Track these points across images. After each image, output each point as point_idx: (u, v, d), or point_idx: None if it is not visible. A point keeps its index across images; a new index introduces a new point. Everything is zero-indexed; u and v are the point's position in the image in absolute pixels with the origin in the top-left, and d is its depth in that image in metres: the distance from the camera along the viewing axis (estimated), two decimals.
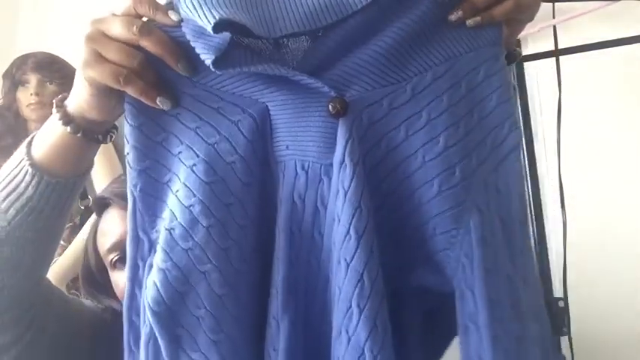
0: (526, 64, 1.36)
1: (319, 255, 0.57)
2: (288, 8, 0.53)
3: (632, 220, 1.45)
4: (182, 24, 0.54)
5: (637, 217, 1.45)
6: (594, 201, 1.47)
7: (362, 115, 0.55)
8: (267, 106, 0.56)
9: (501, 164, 0.57)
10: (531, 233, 1.24)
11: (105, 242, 0.83)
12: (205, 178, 0.55)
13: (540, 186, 1.28)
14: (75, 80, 0.57)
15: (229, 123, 0.56)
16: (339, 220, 0.54)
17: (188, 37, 0.53)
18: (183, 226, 0.55)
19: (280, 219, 0.57)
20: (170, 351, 0.56)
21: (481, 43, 0.57)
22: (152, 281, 0.56)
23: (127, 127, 0.56)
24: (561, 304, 1.19)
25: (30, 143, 0.62)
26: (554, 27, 1.28)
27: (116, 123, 0.63)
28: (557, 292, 1.22)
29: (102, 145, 0.64)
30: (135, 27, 0.53)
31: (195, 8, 0.51)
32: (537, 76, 1.52)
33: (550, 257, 1.25)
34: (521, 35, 0.66)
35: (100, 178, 1.48)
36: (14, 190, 0.61)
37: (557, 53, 1.25)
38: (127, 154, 0.57)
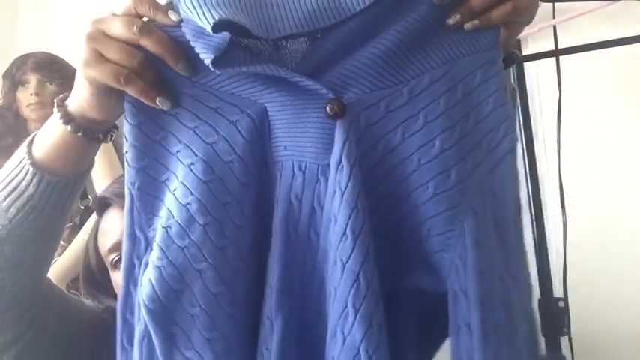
0: (526, 64, 1.36)
1: (315, 255, 0.57)
2: (286, 10, 0.54)
3: (632, 220, 1.45)
4: (182, 24, 0.54)
5: (637, 217, 1.45)
6: (594, 201, 1.47)
7: (359, 117, 0.55)
8: (265, 106, 0.57)
9: (497, 167, 0.57)
10: (531, 233, 1.24)
11: (106, 242, 0.83)
12: (203, 177, 0.56)
13: (540, 186, 1.28)
14: (75, 80, 0.58)
15: (228, 123, 0.57)
16: (336, 221, 0.54)
17: (188, 37, 0.53)
18: (179, 224, 0.55)
19: (276, 219, 0.57)
20: (164, 348, 0.56)
21: (478, 46, 0.57)
22: (147, 278, 0.56)
23: (126, 126, 0.57)
24: (561, 304, 1.19)
25: (31, 143, 0.62)
26: (554, 27, 1.28)
27: (116, 123, 0.63)
28: (557, 292, 1.22)
29: (102, 145, 0.65)
30: (135, 27, 0.53)
31: (194, 8, 0.52)
32: (537, 76, 1.52)
33: (550, 257, 1.25)
34: (521, 35, 0.66)
35: (100, 178, 1.48)
36: (15, 189, 0.61)
37: (557, 53, 1.25)
38: (126, 152, 0.57)
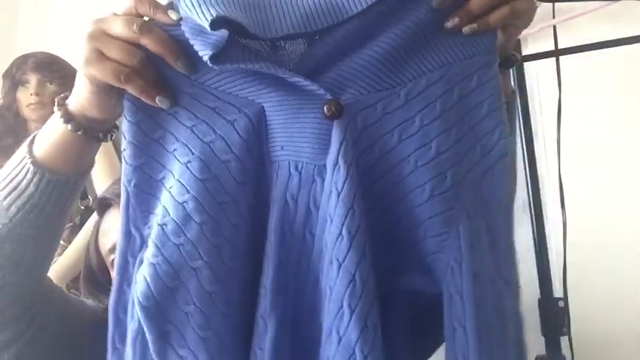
0: (526, 64, 1.36)
1: (310, 256, 0.57)
2: (284, 11, 0.54)
3: (632, 220, 1.45)
4: (181, 23, 0.55)
5: (637, 217, 1.45)
6: (594, 201, 1.47)
7: (356, 119, 0.56)
8: (263, 106, 0.57)
9: (490, 171, 0.58)
10: (531, 233, 1.24)
11: (106, 242, 0.84)
12: (199, 175, 0.56)
13: (540, 186, 1.28)
14: (76, 79, 0.58)
15: (225, 122, 0.57)
16: (332, 221, 0.54)
17: (187, 35, 0.54)
18: (175, 221, 0.56)
19: (272, 219, 0.57)
20: (158, 347, 0.56)
21: (475, 50, 0.58)
22: (142, 276, 0.56)
23: (124, 123, 0.57)
24: (561, 304, 1.19)
25: (32, 142, 0.62)
26: (554, 27, 1.28)
27: (116, 123, 0.64)
28: (557, 292, 1.22)
29: (102, 145, 0.65)
30: (135, 25, 0.54)
31: (194, 6, 0.52)
32: (537, 76, 1.52)
33: (550, 257, 1.25)
34: (521, 35, 0.66)
35: (100, 178, 1.48)
36: (16, 187, 0.61)
37: (557, 53, 1.25)
38: (124, 149, 0.57)
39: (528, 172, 1.26)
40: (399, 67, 0.56)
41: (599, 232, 1.45)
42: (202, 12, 0.52)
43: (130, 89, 0.55)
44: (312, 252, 0.57)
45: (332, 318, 0.54)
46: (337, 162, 0.54)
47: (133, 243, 0.58)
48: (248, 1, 0.54)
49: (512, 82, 1.30)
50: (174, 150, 0.57)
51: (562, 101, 1.24)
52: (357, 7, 0.53)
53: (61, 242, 1.48)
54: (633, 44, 1.22)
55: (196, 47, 0.53)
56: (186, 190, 0.56)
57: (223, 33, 0.52)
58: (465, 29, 0.57)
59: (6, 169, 0.63)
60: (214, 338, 0.56)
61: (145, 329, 0.56)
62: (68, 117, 0.59)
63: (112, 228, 0.83)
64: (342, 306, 0.53)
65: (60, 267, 1.47)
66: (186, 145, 0.57)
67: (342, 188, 0.54)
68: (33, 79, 1.64)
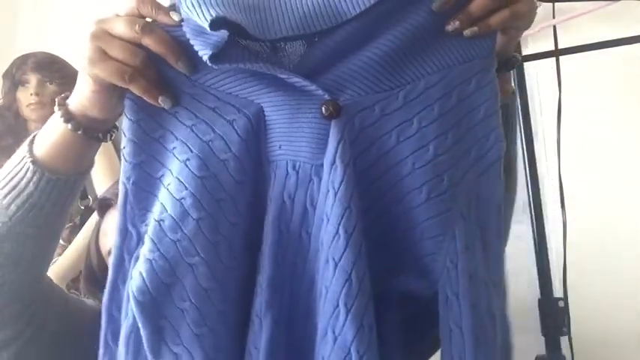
0: (526, 64, 1.36)
1: (306, 256, 0.57)
2: (283, 13, 0.55)
3: (632, 220, 1.45)
4: (183, 23, 0.55)
5: (637, 217, 1.45)
6: (594, 201, 1.47)
7: (354, 119, 0.56)
8: (262, 107, 0.58)
9: (484, 175, 0.58)
10: (531, 233, 1.24)
11: (107, 243, 0.84)
12: (198, 172, 0.56)
13: (540, 186, 1.28)
14: (78, 78, 0.58)
15: (224, 122, 0.57)
16: (328, 220, 0.55)
17: (188, 35, 0.54)
18: (173, 217, 0.56)
19: (269, 218, 0.57)
20: (152, 343, 0.56)
21: (475, 53, 0.58)
22: (138, 271, 0.56)
23: (125, 122, 0.57)
24: (561, 304, 1.19)
25: (32, 141, 0.63)
26: (554, 27, 1.28)
27: (116, 123, 0.64)
28: (557, 292, 1.22)
29: (102, 146, 0.65)
30: (137, 26, 0.54)
31: (194, 7, 0.53)
32: (537, 76, 1.52)
33: (550, 257, 1.25)
34: None
35: (100, 178, 1.48)
36: (16, 186, 0.61)
37: (557, 53, 1.25)
38: (124, 147, 0.57)
39: (528, 172, 1.26)
40: (397, 70, 0.57)
41: (599, 232, 1.45)
42: (202, 13, 0.52)
43: (134, 89, 0.55)
44: (309, 252, 0.57)
45: (328, 318, 0.54)
46: (334, 161, 0.55)
47: (129, 240, 0.58)
48: (248, 3, 0.55)
49: (512, 83, 1.30)
50: (174, 148, 0.57)
51: (562, 101, 1.24)
52: (354, 9, 0.54)
53: (61, 242, 1.48)
54: (633, 44, 1.22)
55: (196, 47, 0.54)
56: (185, 186, 0.56)
57: (223, 33, 0.52)
58: (466, 32, 0.57)
59: (6, 168, 0.63)
60: (209, 335, 0.56)
61: (140, 325, 0.56)
62: (68, 116, 0.59)
63: (112, 228, 0.83)
64: (337, 305, 0.53)
65: (60, 267, 1.47)
66: (186, 144, 0.57)
67: (339, 187, 0.54)
68: (33, 79, 1.64)
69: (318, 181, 0.56)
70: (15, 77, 1.66)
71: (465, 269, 0.56)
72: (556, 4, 1.31)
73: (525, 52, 1.38)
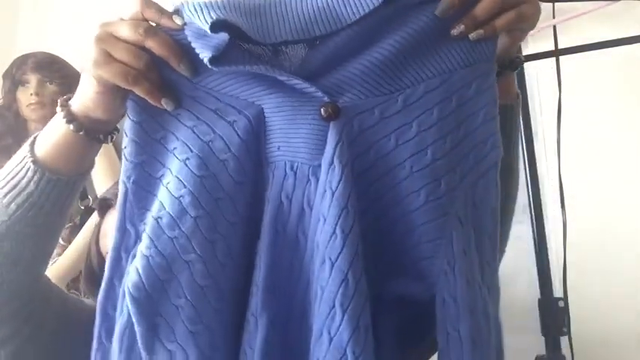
0: (526, 64, 1.35)
1: (302, 257, 0.57)
2: (284, 18, 0.56)
3: (632, 220, 1.45)
4: (185, 27, 0.56)
5: (637, 217, 1.45)
6: (594, 201, 1.48)
7: (353, 122, 0.56)
8: (262, 108, 0.58)
9: (480, 179, 0.59)
10: (531, 233, 1.24)
11: (107, 243, 0.84)
12: (197, 171, 0.57)
13: (540, 186, 1.28)
14: (81, 80, 0.59)
15: (225, 123, 0.58)
16: (325, 220, 0.55)
17: (189, 38, 0.55)
18: (171, 215, 0.56)
19: (266, 218, 0.58)
20: (146, 339, 0.56)
21: (476, 57, 0.58)
22: (134, 267, 0.56)
23: (127, 122, 0.58)
24: (561, 304, 1.19)
25: (33, 141, 0.63)
26: (554, 27, 1.28)
27: (117, 126, 0.64)
28: (557, 292, 1.22)
29: (103, 147, 0.66)
30: (141, 29, 0.55)
31: (196, 11, 0.54)
32: (537, 76, 1.52)
33: (550, 257, 1.25)
34: None
35: (101, 179, 1.49)
36: (16, 185, 0.62)
37: (557, 53, 1.25)
38: (125, 147, 0.58)
39: (528, 172, 1.26)
40: (398, 73, 0.57)
41: (599, 232, 1.45)
42: (204, 16, 0.53)
43: (137, 91, 0.56)
44: (305, 253, 0.57)
45: (323, 318, 0.54)
46: (332, 162, 0.55)
47: (127, 238, 0.59)
48: (249, 7, 0.56)
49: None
50: (174, 149, 0.58)
51: (562, 101, 1.24)
52: (355, 14, 0.54)
53: (61, 242, 1.48)
54: (633, 44, 1.21)
55: (197, 50, 0.54)
56: (183, 185, 0.56)
57: (224, 36, 0.53)
58: (472, 35, 0.57)
59: (7, 168, 0.64)
60: (204, 333, 0.56)
61: (134, 321, 0.56)
62: (71, 117, 0.60)
63: (112, 229, 0.83)
64: (333, 306, 0.53)
65: (60, 267, 1.47)
66: (186, 144, 0.57)
67: (337, 188, 0.54)
68: (33, 79, 1.64)
69: (316, 181, 0.56)
70: (15, 77, 1.66)
71: (463, 272, 0.56)
72: (556, 4, 1.31)
73: (525, 52, 1.38)
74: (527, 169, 1.26)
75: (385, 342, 0.59)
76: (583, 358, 1.20)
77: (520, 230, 1.17)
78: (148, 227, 0.57)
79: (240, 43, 0.57)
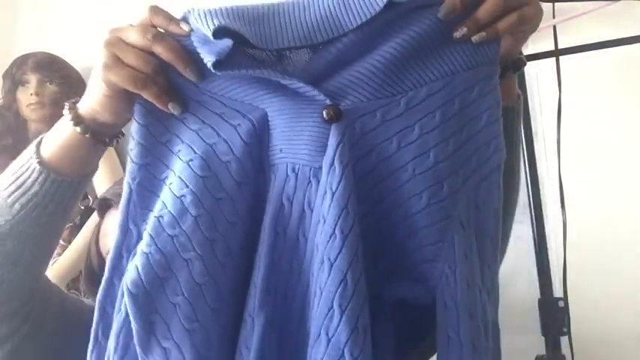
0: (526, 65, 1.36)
1: (302, 259, 0.57)
2: (287, 25, 0.57)
3: (632, 220, 1.45)
4: (192, 34, 0.57)
5: (637, 217, 1.45)
6: (594, 201, 1.47)
7: (355, 124, 0.57)
8: (266, 112, 0.59)
9: (483, 183, 0.59)
10: (531, 233, 1.24)
11: (107, 243, 0.84)
12: (200, 172, 0.57)
13: (540, 186, 1.28)
14: (89, 83, 0.60)
15: (229, 126, 0.59)
16: (325, 221, 0.55)
17: (195, 44, 0.56)
18: (172, 214, 0.57)
19: (267, 219, 0.58)
20: (142, 336, 0.57)
21: (479, 60, 0.58)
22: (134, 265, 0.57)
23: (134, 125, 0.60)
24: (561, 304, 1.19)
25: (39, 143, 0.65)
26: (554, 27, 1.28)
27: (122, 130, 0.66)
28: (557, 292, 1.22)
29: None
30: (150, 34, 0.57)
31: (201, 18, 0.55)
32: (537, 76, 1.52)
33: (550, 257, 1.25)
34: None
35: (101, 180, 1.49)
36: (21, 185, 0.63)
37: (557, 53, 1.25)
38: (131, 149, 0.59)
39: (528, 172, 1.26)
40: (400, 76, 0.57)
41: (599, 232, 1.45)
42: (207, 23, 0.55)
43: (145, 95, 0.57)
44: (305, 255, 0.57)
45: (321, 319, 0.54)
46: (333, 163, 0.55)
47: (129, 238, 0.59)
48: (253, 15, 0.57)
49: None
50: (179, 151, 0.59)
51: (562, 101, 1.24)
52: (355, 21, 0.55)
53: (61, 242, 1.48)
54: (633, 44, 1.21)
55: (202, 55, 0.55)
56: (185, 184, 0.57)
57: (227, 42, 0.54)
58: (475, 38, 0.57)
59: (12, 168, 0.65)
60: (200, 332, 0.56)
61: (131, 318, 0.56)
62: (78, 120, 0.61)
63: (112, 229, 0.83)
64: (332, 306, 0.53)
65: (60, 267, 1.47)
66: (190, 146, 0.58)
67: (337, 188, 0.54)
68: (33, 79, 1.64)
69: (317, 183, 0.56)
70: (15, 77, 1.66)
71: (463, 276, 0.56)
72: (556, 4, 1.31)
73: (525, 52, 1.37)
74: (527, 169, 1.26)
75: (384, 344, 0.59)
76: (583, 358, 1.20)
77: (520, 230, 1.17)
78: (149, 226, 0.58)
79: (245, 49, 0.58)
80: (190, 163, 0.58)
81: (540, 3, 0.61)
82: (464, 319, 0.56)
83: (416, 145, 0.57)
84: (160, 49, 0.57)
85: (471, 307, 0.56)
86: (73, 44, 1.91)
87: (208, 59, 0.55)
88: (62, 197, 0.64)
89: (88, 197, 1.59)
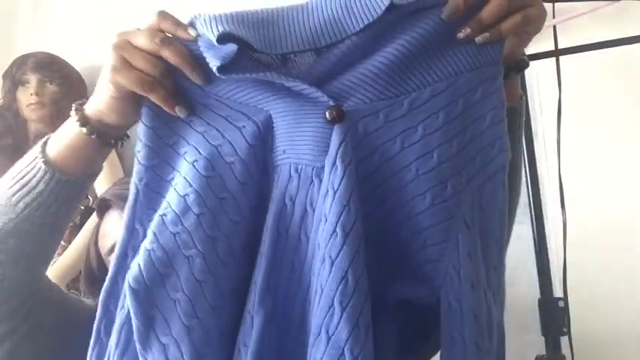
0: None
1: (303, 258, 0.58)
2: (291, 30, 0.57)
3: (632, 220, 1.45)
4: (199, 38, 0.58)
5: (637, 217, 1.45)
6: (594, 201, 1.47)
7: (358, 125, 0.57)
8: (270, 114, 0.59)
9: (487, 183, 0.59)
10: (531, 233, 1.24)
11: (106, 243, 0.84)
12: (204, 172, 0.58)
13: (540, 186, 1.28)
14: (97, 85, 0.61)
15: (234, 128, 0.59)
16: (326, 219, 0.55)
17: (202, 49, 0.57)
18: (175, 212, 0.57)
19: (269, 219, 0.58)
20: (141, 332, 0.57)
21: (483, 61, 0.59)
22: (136, 262, 0.57)
23: (141, 127, 0.60)
24: (561, 304, 1.19)
25: (45, 143, 0.66)
26: (554, 27, 1.28)
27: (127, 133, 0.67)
28: (557, 292, 1.22)
29: None
30: (157, 39, 0.58)
31: (207, 24, 0.56)
32: (537, 76, 1.52)
33: (550, 257, 1.25)
34: None
35: (101, 180, 1.48)
36: (26, 184, 0.64)
37: (557, 53, 1.25)
38: (138, 151, 0.60)
39: (528, 172, 1.26)
40: (403, 77, 0.58)
41: (599, 232, 1.45)
42: (212, 29, 0.56)
43: (153, 97, 0.58)
44: (306, 255, 0.57)
45: (322, 317, 0.54)
46: (335, 162, 0.55)
47: (135, 238, 0.60)
48: (257, 20, 0.57)
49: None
50: (185, 153, 0.60)
51: (562, 101, 1.24)
52: (358, 24, 0.56)
53: (61, 242, 1.48)
54: (633, 44, 1.21)
55: (208, 59, 0.56)
56: (190, 184, 0.58)
57: (232, 47, 0.55)
58: (478, 39, 0.57)
59: (18, 167, 0.66)
60: (199, 328, 0.57)
61: (132, 314, 0.57)
62: (84, 121, 0.62)
63: (111, 229, 0.84)
64: (332, 304, 0.53)
65: (60, 267, 1.47)
66: (196, 148, 0.59)
67: (339, 186, 0.55)
68: (33, 79, 1.64)
69: (319, 182, 0.57)
70: (15, 77, 1.66)
71: (467, 277, 0.56)
72: (556, 4, 1.31)
73: (525, 52, 1.38)
74: (527, 169, 1.26)
75: (387, 343, 0.59)
76: (583, 358, 1.20)
77: (520, 230, 1.17)
78: (153, 224, 0.58)
79: (250, 53, 0.58)
80: (195, 163, 0.58)
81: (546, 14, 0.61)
82: (468, 319, 0.56)
83: (419, 145, 0.57)
84: (167, 53, 0.58)
85: (475, 307, 0.56)
86: (73, 44, 1.91)
87: (214, 64, 0.56)
88: (66, 197, 0.65)
89: (88, 197, 1.59)
